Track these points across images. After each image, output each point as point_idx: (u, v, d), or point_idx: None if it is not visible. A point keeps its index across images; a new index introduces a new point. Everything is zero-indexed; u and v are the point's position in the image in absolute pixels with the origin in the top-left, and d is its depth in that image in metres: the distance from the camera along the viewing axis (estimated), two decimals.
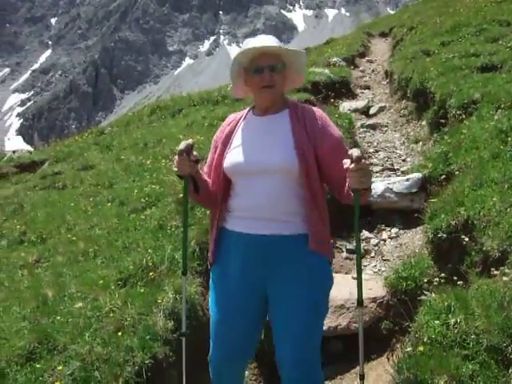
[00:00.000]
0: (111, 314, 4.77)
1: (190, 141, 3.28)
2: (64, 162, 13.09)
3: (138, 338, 4.45)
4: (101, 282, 5.38)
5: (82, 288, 5.37)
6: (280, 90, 3.28)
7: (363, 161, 2.84)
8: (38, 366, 4.24)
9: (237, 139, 3.36)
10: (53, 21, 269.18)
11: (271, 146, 3.21)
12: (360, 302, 3.27)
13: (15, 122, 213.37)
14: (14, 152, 16.85)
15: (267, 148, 3.22)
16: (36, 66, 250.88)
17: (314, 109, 3.35)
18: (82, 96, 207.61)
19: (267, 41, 3.19)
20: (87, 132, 17.87)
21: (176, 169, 3.28)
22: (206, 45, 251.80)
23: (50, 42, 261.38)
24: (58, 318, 4.87)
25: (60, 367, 4.13)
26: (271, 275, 3.27)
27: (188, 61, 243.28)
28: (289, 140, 3.19)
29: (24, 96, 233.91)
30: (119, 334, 4.47)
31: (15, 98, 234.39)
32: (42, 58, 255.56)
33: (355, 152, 2.85)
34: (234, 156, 3.30)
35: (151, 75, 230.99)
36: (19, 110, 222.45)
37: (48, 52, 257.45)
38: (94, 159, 12.08)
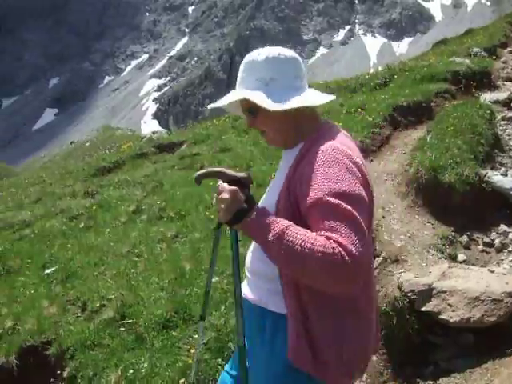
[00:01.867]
0: None
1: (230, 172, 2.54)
2: (202, 143, 13.47)
3: None
4: None
5: (219, 263, 5.54)
6: (274, 130, 2.59)
7: (220, 189, 2.33)
8: (174, 333, 4.46)
9: None
10: (190, 9, 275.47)
11: (271, 192, 2.60)
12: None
13: (151, 107, 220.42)
14: (153, 133, 17.48)
15: (268, 194, 2.65)
16: (173, 53, 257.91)
17: (323, 148, 2.34)
18: (216, 83, 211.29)
19: (227, 97, 2.60)
20: (224, 116, 18.28)
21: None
22: (341, 34, 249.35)
23: (186, 30, 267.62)
24: (195, 290, 5.06)
25: (195, 336, 4.30)
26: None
27: (322, 50, 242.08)
28: (279, 189, 2.49)
29: (161, 81, 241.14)
30: None
31: (152, 84, 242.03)
32: (179, 45, 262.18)
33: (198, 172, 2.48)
34: None
35: None
36: (156, 94, 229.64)
37: (185, 39, 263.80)
38: (231, 142, 12.35)
